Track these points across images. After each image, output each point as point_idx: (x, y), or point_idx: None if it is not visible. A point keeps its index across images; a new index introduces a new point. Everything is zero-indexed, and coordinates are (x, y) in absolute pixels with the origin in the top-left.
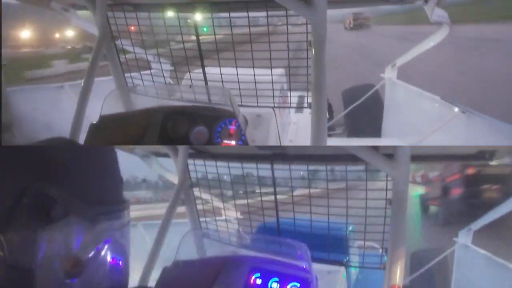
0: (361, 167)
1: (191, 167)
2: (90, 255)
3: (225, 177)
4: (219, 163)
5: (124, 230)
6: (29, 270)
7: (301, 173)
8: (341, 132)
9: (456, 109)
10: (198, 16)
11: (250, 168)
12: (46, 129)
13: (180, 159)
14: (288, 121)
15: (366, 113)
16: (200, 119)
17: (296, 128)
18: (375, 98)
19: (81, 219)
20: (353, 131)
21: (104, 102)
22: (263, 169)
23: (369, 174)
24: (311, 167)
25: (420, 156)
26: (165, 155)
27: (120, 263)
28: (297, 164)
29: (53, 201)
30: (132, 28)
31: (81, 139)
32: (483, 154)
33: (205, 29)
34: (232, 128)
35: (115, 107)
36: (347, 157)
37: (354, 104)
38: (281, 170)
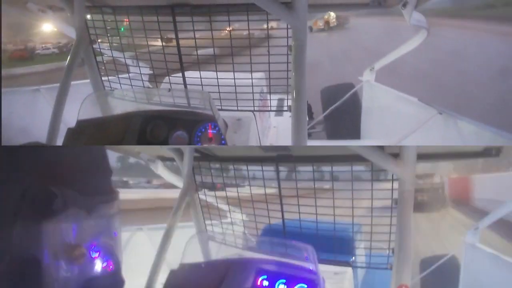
0: (367, 167)
1: (196, 170)
2: (89, 243)
3: (230, 179)
4: (224, 166)
5: (115, 220)
6: (36, 260)
7: (307, 174)
8: (320, 130)
9: (434, 111)
10: (178, 19)
11: (255, 170)
12: (23, 134)
13: (186, 162)
14: (268, 124)
15: (344, 116)
16: (179, 123)
17: (277, 132)
18: (353, 101)
19: (80, 211)
20: (332, 133)
21: (81, 106)
22: (268, 171)
23: (374, 174)
24: (317, 168)
25: (426, 155)
26: (171, 159)
27: (112, 251)
28: (302, 165)
29: (54, 195)
30: None
31: (58, 143)
32: (489, 151)
33: None
34: (212, 132)
35: (93, 112)
36: (352, 157)
37: (333, 107)
38: (286, 172)
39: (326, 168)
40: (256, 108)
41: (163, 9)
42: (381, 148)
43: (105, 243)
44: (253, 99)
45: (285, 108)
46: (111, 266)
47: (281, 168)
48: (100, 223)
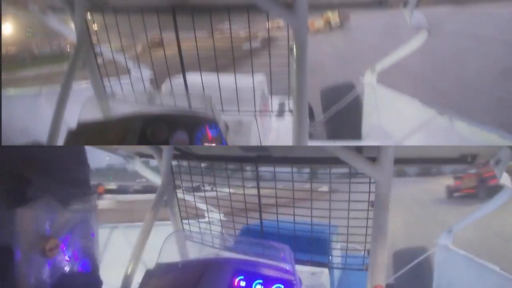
0: (344, 169)
1: (175, 169)
2: (64, 236)
3: (209, 178)
4: (203, 165)
5: (92, 215)
6: (9, 248)
7: (285, 175)
8: (321, 130)
9: (434, 112)
10: (179, 21)
11: (234, 169)
12: (24, 135)
13: (164, 160)
14: (269, 126)
15: (345, 116)
16: (180, 125)
17: (277, 133)
18: (354, 101)
19: (54, 201)
20: (333, 134)
21: (81, 108)
22: (247, 171)
23: (352, 176)
24: (295, 169)
25: (403, 159)
26: (149, 156)
27: (89, 247)
28: (282, 166)
29: (28, 182)
30: None
31: (59, 144)
32: (465, 157)
33: None
34: (213, 134)
35: (93, 113)
36: (331, 159)
37: (334, 108)
38: (266, 172)
39: (306, 170)
40: (257, 111)
41: (164, 10)
42: (359, 150)
43: (83, 243)
44: (255, 102)
45: (287, 110)
46: (88, 266)
47: (260, 168)
48: (77, 218)
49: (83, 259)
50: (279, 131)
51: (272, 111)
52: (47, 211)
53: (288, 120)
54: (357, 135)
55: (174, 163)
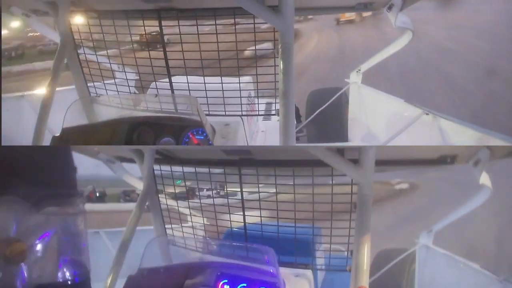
0: (327, 171)
1: (156, 173)
2: (35, 241)
3: (191, 182)
4: (186, 169)
5: (77, 219)
6: None
7: (268, 177)
8: (308, 134)
9: (420, 111)
10: (165, 24)
11: (217, 173)
12: (7, 140)
13: (146, 164)
14: (256, 129)
15: (331, 118)
16: (166, 129)
17: (265, 136)
18: (340, 103)
19: (22, 200)
20: (319, 136)
21: (66, 113)
22: (230, 175)
23: (334, 178)
24: (278, 172)
25: (384, 161)
26: (131, 160)
27: (76, 256)
28: (264, 169)
29: None
30: None
31: None
32: (445, 158)
33: None
34: (199, 138)
35: (78, 118)
36: (313, 161)
37: (320, 109)
38: (249, 176)
39: (288, 172)
40: (244, 113)
41: (149, 13)
42: (341, 152)
43: (65, 250)
44: (241, 104)
45: (273, 112)
46: (77, 278)
47: (243, 171)
48: (54, 222)
49: (69, 268)
50: (266, 133)
51: (258, 113)
52: (11, 211)
53: (275, 122)
54: (343, 136)
55: (156, 167)
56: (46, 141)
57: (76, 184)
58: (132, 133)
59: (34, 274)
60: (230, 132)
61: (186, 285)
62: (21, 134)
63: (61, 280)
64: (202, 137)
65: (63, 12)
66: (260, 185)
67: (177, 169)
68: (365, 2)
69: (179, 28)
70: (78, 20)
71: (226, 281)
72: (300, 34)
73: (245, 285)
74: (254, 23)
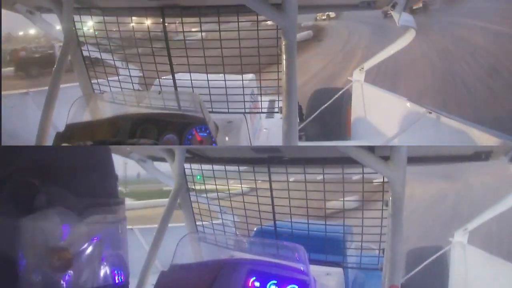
0: (357, 169)
1: (187, 171)
2: (80, 249)
3: (221, 180)
4: (215, 167)
5: (119, 226)
6: (13, 260)
7: (298, 175)
8: (310, 133)
9: (423, 110)
10: (168, 21)
11: (247, 171)
12: (11, 138)
13: (177, 163)
14: (259, 126)
15: (334, 116)
16: (169, 126)
17: (267, 133)
18: (343, 101)
19: (68, 210)
20: (322, 135)
21: (70, 109)
22: (260, 173)
23: (365, 176)
24: (308, 169)
25: (417, 158)
26: (162, 159)
27: (116, 261)
28: (294, 167)
29: (36, 189)
30: None
31: None
32: (479, 155)
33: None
34: (202, 135)
35: (82, 115)
36: (343, 159)
37: (322, 107)
38: (278, 174)
39: (318, 170)
40: (247, 110)
41: (152, 10)
42: (371, 149)
43: (115, 253)
44: (244, 101)
45: (276, 110)
46: (121, 277)
47: (272, 169)
48: (96, 230)
49: (118, 272)
50: (269, 130)
51: (262, 111)
52: (56, 222)
53: (277, 120)
54: (344, 135)
55: (187, 165)
56: (50, 138)
57: (117, 192)
58: (136, 130)
59: (80, 280)
60: (233, 130)
61: (217, 282)
62: (25, 131)
63: (103, 284)
64: (206, 134)
65: (67, 9)
66: (289, 183)
67: (207, 167)
68: (369, 0)
69: (182, 25)
70: (82, 17)
71: (256, 278)
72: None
73: (275, 282)
74: (258, 21)
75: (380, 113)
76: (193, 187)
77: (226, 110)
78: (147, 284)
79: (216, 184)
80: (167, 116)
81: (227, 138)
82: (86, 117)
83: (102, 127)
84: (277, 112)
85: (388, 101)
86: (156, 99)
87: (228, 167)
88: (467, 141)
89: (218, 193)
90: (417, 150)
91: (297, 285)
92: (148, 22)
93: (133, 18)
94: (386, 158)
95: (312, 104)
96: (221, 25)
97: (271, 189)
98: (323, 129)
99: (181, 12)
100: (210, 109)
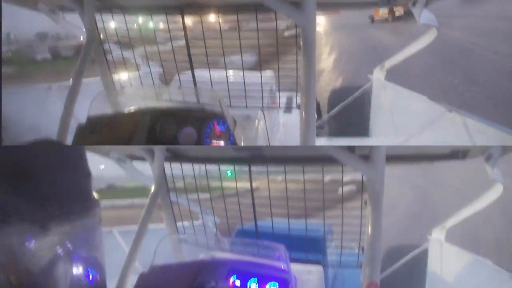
0: (337, 168)
1: (167, 171)
2: (45, 261)
3: (202, 180)
4: (196, 166)
5: (92, 230)
6: None
7: (279, 175)
8: (329, 127)
9: (443, 109)
10: (187, 19)
11: (228, 170)
12: (33, 131)
13: (156, 163)
14: (277, 122)
15: (353, 113)
16: (188, 120)
17: (285, 129)
18: (363, 99)
19: (29, 224)
20: (341, 131)
21: (91, 103)
22: (241, 172)
23: (345, 175)
24: (288, 168)
25: (395, 157)
26: (141, 158)
27: (91, 264)
28: (275, 166)
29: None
30: None
31: (69, 140)
32: (456, 154)
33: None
34: (220, 129)
35: (103, 109)
36: (323, 158)
37: (342, 104)
38: (259, 173)
39: (298, 169)
40: (265, 106)
41: (172, 9)
42: (352, 149)
43: (90, 255)
44: (262, 97)
45: (294, 106)
46: (97, 278)
47: (253, 168)
48: (66, 238)
49: (94, 273)
50: (286, 127)
51: (279, 106)
52: (16, 239)
53: (295, 115)
54: (365, 132)
55: (166, 165)
56: (72, 130)
57: (91, 192)
58: (156, 123)
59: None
60: (251, 124)
61: (197, 282)
62: (47, 124)
63: (89, 284)
64: (224, 128)
65: (89, 8)
66: (269, 182)
67: (188, 167)
68: None
69: (201, 23)
70: (103, 15)
71: (236, 276)
72: None
73: (255, 280)
74: (276, 19)
75: (399, 111)
76: (173, 187)
77: (245, 105)
78: (126, 285)
79: (196, 184)
80: (186, 110)
81: (243, 135)
82: (106, 110)
83: (122, 119)
84: (295, 108)
85: (407, 99)
86: (175, 94)
87: (209, 167)
88: (486, 139)
89: (199, 193)
90: (396, 149)
91: (277, 282)
92: (167, 20)
93: (153, 16)
94: (365, 157)
95: (333, 101)
96: (240, 23)
97: (251, 189)
98: (343, 126)
99: (200, 10)
100: (229, 104)
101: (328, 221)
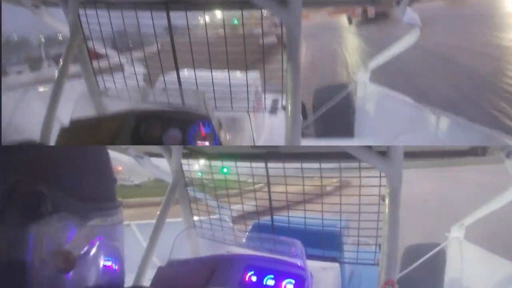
0: (354, 164)
1: (184, 167)
2: (82, 251)
3: (219, 176)
4: (213, 163)
5: (117, 229)
6: (22, 264)
7: (295, 171)
8: (313, 133)
9: (427, 110)
10: (173, 16)
11: (244, 167)
12: (16, 133)
13: (174, 159)
14: (263, 123)
15: (338, 115)
16: (173, 122)
17: (270, 131)
18: (347, 101)
19: (72, 215)
20: (325, 133)
21: (75, 105)
22: (257, 168)
23: (362, 171)
24: (305, 165)
25: (413, 153)
26: (159, 155)
27: (113, 262)
28: (291, 162)
29: (43, 197)
30: None
31: (51, 143)
32: (475, 150)
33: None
34: (206, 131)
35: (87, 111)
36: (340, 154)
37: (326, 106)
38: (275, 169)
39: (315, 165)
40: (250, 108)
41: (157, 5)
42: (369, 146)
43: (109, 243)
44: (248, 99)
45: (279, 107)
46: (116, 267)
47: (270, 165)
48: (97, 233)
49: (112, 261)
50: (272, 128)
51: (265, 108)
52: (62, 227)
53: (281, 117)
54: (349, 134)
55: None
56: (55, 133)
57: (115, 195)
58: (140, 126)
59: (81, 278)
60: (237, 127)
61: (214, 277)
62: (30, 125)
63: (101, 281)
64: (209, 131)
65: (72, 3)
66: (286, 178)
67: (205, 163)
68: None
69: (186, 20)
70: (87, 11)
71: (253, 272)
72: None
73: (272, 276)
74: (262, 17)
75: (383, 113)
76: (191, 183)
77: (230, 108)
78: (144, 279)
79: (213, 180)
80: (171, 112)
81: (228, 137)
82: (90, 112)
83: (106, 122)
84: (280, 109)
85: (392, 101)
86: (160, 95)
87: (226, 163)
88: (471, 140)
89: (216, 189)
90: (414, 146)
91: (294, 279)
92: (152, 17)
93: (138, 12)
94: (383, 153)
95: (318, 102)
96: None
97: (268, 184)
98: (328, 127)
99: (185, 7)
100: (214, 107)
101: (345, 216)
